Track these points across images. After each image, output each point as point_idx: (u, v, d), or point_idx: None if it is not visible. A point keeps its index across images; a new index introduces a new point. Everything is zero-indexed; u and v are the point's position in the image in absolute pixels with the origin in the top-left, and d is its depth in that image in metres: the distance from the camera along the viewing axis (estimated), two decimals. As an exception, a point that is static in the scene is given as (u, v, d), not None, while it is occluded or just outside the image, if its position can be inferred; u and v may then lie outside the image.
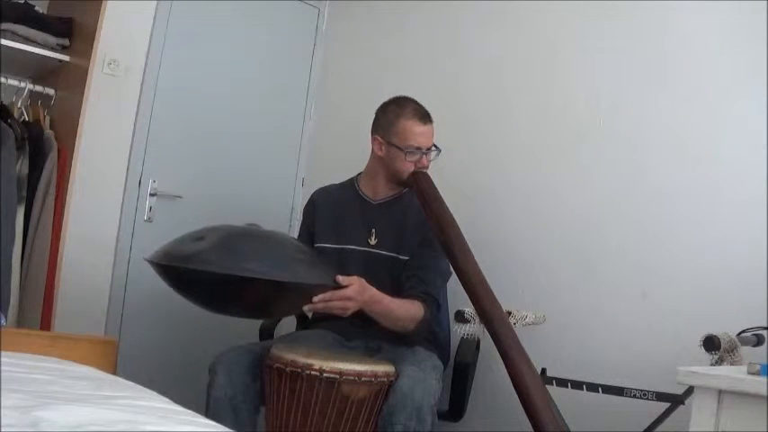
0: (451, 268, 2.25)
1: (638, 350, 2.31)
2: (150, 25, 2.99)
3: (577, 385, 2.12)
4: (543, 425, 1.79)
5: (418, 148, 2.36)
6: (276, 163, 3.46)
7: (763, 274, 2.08)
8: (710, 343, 1.81)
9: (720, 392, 1.47)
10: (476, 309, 2.10)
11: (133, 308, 2.96)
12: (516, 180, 2.77)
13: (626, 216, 2.44)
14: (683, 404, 1.91)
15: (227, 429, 1.14)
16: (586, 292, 2.49)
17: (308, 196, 2.62)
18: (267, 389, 2.11)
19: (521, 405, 1.85)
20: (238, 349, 2.18)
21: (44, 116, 2.72)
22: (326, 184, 2.63)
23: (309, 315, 2.41)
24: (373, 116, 2.49)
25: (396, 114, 2.38)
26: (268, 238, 2.07)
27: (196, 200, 3.14)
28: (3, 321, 2.19)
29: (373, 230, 2.40)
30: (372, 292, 2.11)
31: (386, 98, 2.51)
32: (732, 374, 1.50)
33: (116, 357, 2.06)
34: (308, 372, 1.98)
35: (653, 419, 2.00)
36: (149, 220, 3.03)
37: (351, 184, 2.52)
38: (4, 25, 2.54)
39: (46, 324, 2.53)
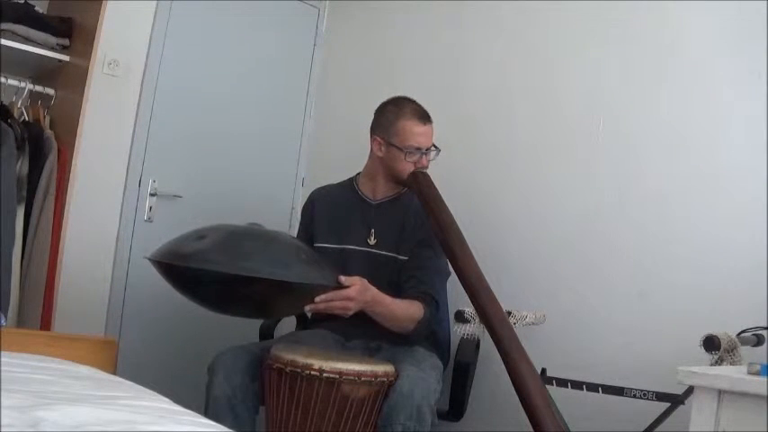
0: (451, 268, 2.25)
1: (638, 350, 2.31)
2: (150, 25, 2.99)
3: (577, 385, 2.12)
4: (543, 425, 1.79)
5: (418, 149, 2.36)
6: (276, 163, 3.46)
7: (763, 274, 2.08)
8: (710, 343, 1.81)
9: (720, 392, 1.47)
10: (476, 309, 2.10)
11: (133, 308, 2.96)
12: (516, 180, 2.77)
13: (626, 216, 2.44)
14: (683, 404, 1.91)
15: (226, 429, 1.14)
16: (586, 292, 2.49)
17: (308, 196, 2.63)
18: (267, 389, 2.11)
19: (521, 405, 1.85)
20: (237, 349, 2.18)
21: (44, 116, 2.72)
22: (326, 184, 2.63)
23: (309, 315, 2.41)
24: (373, 116, 2.49)
25: (395, 114, 2.38)
26: (270, 238, 2.07)
27: (196, 200, 3.14)
28: (3, 321, 2.19)
29: (372, 230, 2.40)
30: (374, 292, 2.11)
31: (386, 98, 2.51)
32: (732, 374, 1.50)
33: (116, 357, 2.06)
34: (307, 372, 1.98)
35: (653, 419, 2.00)
36: (149, 220, 3.03)
37: (350, 184, 2.52)
38: (4, 25, 2.54)
39: (46, 324, 2.53)
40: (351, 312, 2.08)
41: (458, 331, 2.27)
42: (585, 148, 2.58)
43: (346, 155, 3.32)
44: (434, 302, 2.30)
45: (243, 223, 2.12)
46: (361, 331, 2.29)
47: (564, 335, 2.49)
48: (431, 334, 2.39)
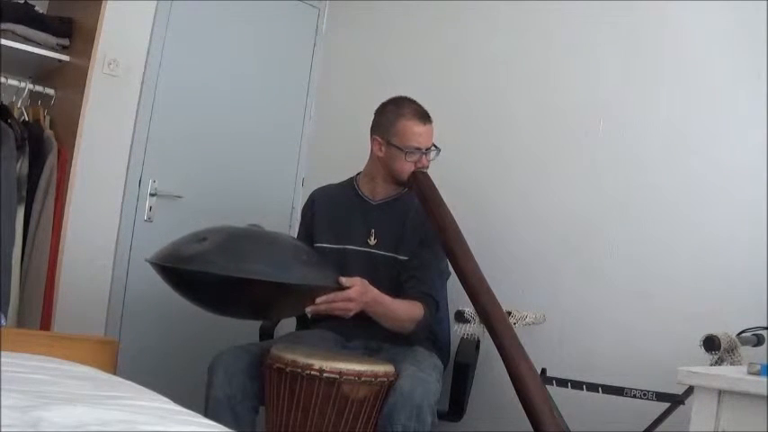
0: (451, 268, 2.25)
1: (638, 350, 2.31)
2: (150, 25, 2.98)
3: (577, 385, 2.12)
4: (543, 425, 1.79)
5: (418, 149, 2.36)
6: (276, 163, 3.46)
7: (763, 274, 2.08)
8: (710, 343, 1.81)
9: (720, 392, 1.47)
10: (476, 309, 2.10)
11: (133, 308, 2.96)
12: (516, 180, 2.77)
13: (626, 216, 2.44)
14: (683, 404, 1.91)
15: (226, 429, 1.14)
16: (586, 292, 2.49)
17: (308, 196, 2.62)
18: (267, 389, 2.11)
19: (521, 405, 1.85)
20: (237, 349, 2.18)
21: (44, 116, 2.72)
22: (325, 184, 2.63)
23: (310, 315, 2.41)
24: (373, 116, 2.49)
25: (395, 115, 2.38)
26: (270, 240, 2.07)
27: (196, 200, 3.14)
28: (3, 321, 2.19)
29: (373, 231, 2.40)
30: (374, 293, 2.12)
31: (386, 98, 2.51)
32: (732, 374, 1.50)
33: (116, 357, 2.06)
34: (308, 372, 1.98)
35: (653, 419, 2.00)
36: (149, 220, 3.03)
37: (350, 184, 2.52)
38: (4, 25, 2.54)
39: (46, 324, 2.53)
40: (351, 313, 2.08)
41: (458, 331, 2.27)
42: (585, 148, 2.58)
43: (346, 155, 3.32)
44: (434, 303, 2.31)
45: (243, 224, 2.12)
46: (361, 331, 2.29)
47: (564, 335, 2.49)
48: (431, 334, 2.39)
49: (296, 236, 2.62)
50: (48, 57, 2.68)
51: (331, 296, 2.00)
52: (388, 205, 2.45)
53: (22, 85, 2.72)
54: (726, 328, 1.86)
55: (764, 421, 1.40)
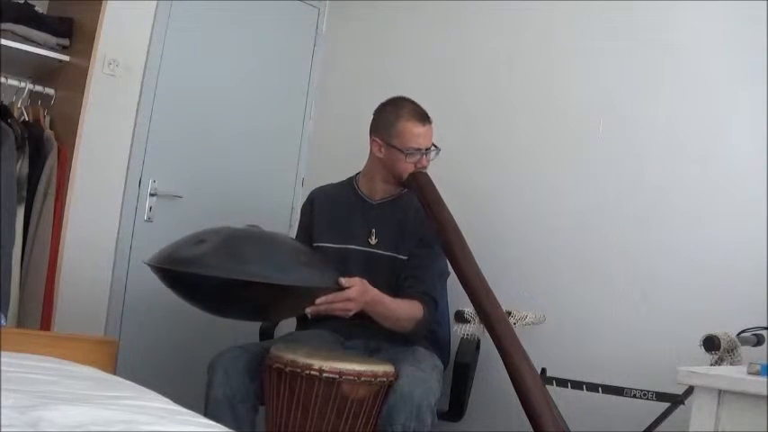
0: (450, 268, 2.25)
1: (637, 350, 2.31)
2: (150, 25, 2.98)
3: (577, 385, 2.12)
4: (543, 425, 1.79)
5: (418, 149, 2.36)
6: (276, 163, 3.46)
7: (763, 274, 2.08)
8: (710, 343, 1.82)
9: (720, 392, 1.47)
10: (475, 309, 2.10)
11: (133, 308, 2.96)
12: (516, 180, 2.77)
13: (626, 216, 2.44)
14: (683, 404, 1.91)
15: (226, 429, 1.14)
16: (586, 292, 2.49)
17: (308, 195, 2.62)
18: (267, 389, 2.11)
19: (521, 405, 1.85)
20: (237, 349, 2.18)
21: (44, 116, 2.72)
22: (325, 184, 2.62)
23: (309, 316, 2.40)
24: (372, 117, 2.49)
25: (395, 116, 2.38)
26: (269, 241, 2.07)
27: (196, 200, 3.14)
28: (3, 321, 2.19)
29: (373, 230, 2.40)
30: (374, 293, 2.12)
31: (386, 98, 2.51)
32: (732, 374, 1.50)
33: (116, 357, 2.06)
34: (307, 372, 1.98)
35: (653, 419, 2.00)
36: (149, 220, 3.03)
37: (350, 184, 2.52)
38: (4, 25, 2.54)
39: (46, 324, 2.52)
40: (351, 313, 2.08)
41: (458, 331, 2.27)
42: (585, 148, 2.58)
43: (346, 155, 3.31)
44: (433, 302, 2.30)
45: (242, 225, 2.12)
46: (361, 331, 2.29)
47: (564, 335, 2.49)
48: (430, 334, 2.39)
49: (295, 235, 2.61)
50: (48, 57, 2.67)
51: (330, 297, 2.00)
52: (387, 205, 2.45)
53: (22, 85, 2.72)
54: (726, 328, 1.87)
55: (765, 421, 1.40)
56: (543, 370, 2.19)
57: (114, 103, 2.88)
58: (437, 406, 2.09)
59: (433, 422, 2.02)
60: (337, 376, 1.98)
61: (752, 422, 1.42)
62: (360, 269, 2.22)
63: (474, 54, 2.99)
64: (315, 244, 2.41)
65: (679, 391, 1.89)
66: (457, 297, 2.41)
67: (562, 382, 2.16)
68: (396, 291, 2.26)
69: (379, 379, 2.03)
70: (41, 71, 2.83)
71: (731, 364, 1.83)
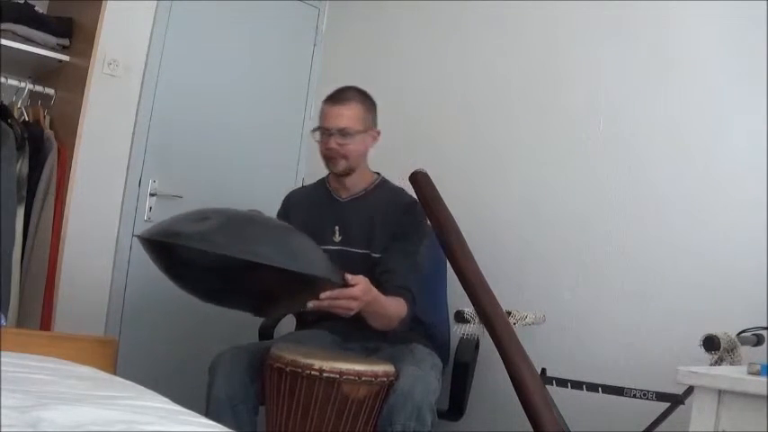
0: (450, 268, 2.24)
1: (637, 350, 2.31)
2: (150, 25, 2.99)
3: (577, 385, 2.13)
4: (543, 425, 1.79)
5: (323, 128, 2.30)
6: (276, 163, 3.46)
7: (763, 274, 2.08)
8: (710, 343, 1.81)
9: (720, 392, 1.47)
10: (475, 309, 2.10)
11: (133, 308, 2.96)
12: (516, 180, 2.77)
13: (626, 216, 2.44)
14: (683, 404, 1.91)
15: (226, 429, 1.14)
16: (586, 292, 2.49)
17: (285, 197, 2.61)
18: (267, 389, 2.11)
19: (521, 405, 1.85)
20: (238, 349, 2.18)
21: (44, 116, 2.72)
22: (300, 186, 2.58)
23: (310, 308, 2.33)
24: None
25: None
26: (276, 226, 1.99)
27: (196, 200, 3.13)
28: (3, 321, 2.19)
29: (337, 228, 2.36)
30: (375, 292, 2.08)
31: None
32: (732, 374, 1.50)
33: (116, 357, 2.05)
34: (308, 372, 1.98)
35: (653, 419, 2.00)
36: (149, 220, 3.02)
37: (322, 183, 2.49)
38: (4, 25, 2.54)
39: (46, 324, 2.53)
40: (352, 312, 2.02)
41: (458, 331, 2.27)
42: (586, 148, 2.58)
43: (346, 155, 3.31)
44: (411, 295, 2.23)
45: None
46: (359, 332, 2.28)
47: (564, 335, 2.49)
48: (427, 331, 2.37)
49: None
50: (48, 57, 2.68)
51: (336, 293, 1.91)
52: (356, 201, 2.40)
53: (22, 85, 2.72)
54: (726, 328, 1.86)
55: (764, 421, 1.40)
56: (543, 370, 2.19)
57: (114, 103, 2.88)
58: (437, 405, 2.09)
59: (434, 421, 2.02)
60: (338, 376, 1.98)
61: (752, 422, 1.42)
62: None
63: (474, 54, 2.99)
64: None
65: (679, 390, 1.89)
66: (457, 297, 2.41)
67: (562, 382, 2.16)
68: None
69: (379, 379, 2.04)
70: (41, 71, 2.83)
71: (731, 363, 1.83)
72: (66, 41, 2.73)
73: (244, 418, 2.10)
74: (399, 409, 1.95)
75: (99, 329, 2.85)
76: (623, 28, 2.55)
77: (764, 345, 1.91)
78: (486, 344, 2.19)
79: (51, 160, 2.58)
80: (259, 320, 2.62)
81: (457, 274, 2.16)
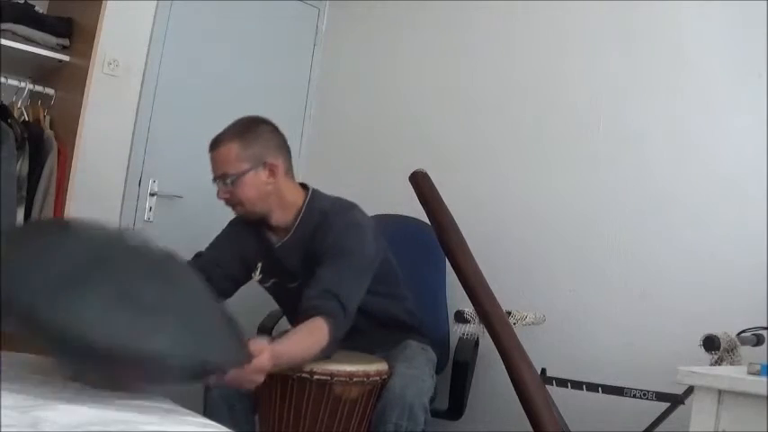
0: (450, 268, 2.22)
1: (637, 350, 2.31)
2: (150, 25, 2.99)
3: (577, 385, 2.12)
4: (543, 425, 1.79)
5: (214, 177, 2.13)
6: (276, 163, 3.45)
7: (763, 274, 2.08)
8: (710, 343, 1.81)
9: (720, 392, 1.47)
10: (475, 309, 2.10)
11: (133, 308, 2.96)
12: (516, 180, 2.77)
13: (626, 216, 2.44)
14: (683, 404, 1.91)
15: (225, 429, 1.14)
16: (586, 292, 2.49)
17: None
18: (259, 392, 2.07)
19: (520, 405, 1.85)
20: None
21: (44, 116, 2.72)
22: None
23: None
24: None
25: None
26: (176, 287, 1.37)
27: (196, 200, 3.14)
28: (3, 321, 2.18)
29: (269, 267, 2.18)
30: (279, 349, 1.74)
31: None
32: (732, 374, 1.50)
33: (116, 357, 2.04)
34: (298, 374, 1.94)
35: (653, 419, 2.00)
36: (149, 220, 3.03)
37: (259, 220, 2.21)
38: (4, 25, 2.54)
39: (46, 324, 2.52)
40: (256, 384, 1.70)
41: (457, 331, 2.27)
42: (586, 148, 2.58)
43: (346, 155, 3.32)
44: (338, 303, 1.90)
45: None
46: (350, 336, 2.05)
47: (564, 335, 2.49)
48: (419, 325, 2.35)
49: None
50: (48, 57, 2.67)
51: (241, 372, 1.58)
52: (287, 242, 2.15)
53: (22, 85, 2.72)
54: (725, 328, 1.86)
55: (765, 421, 1.40)
56: (543, 370, 2.19)
57: (114, 102, 2.88)
58: (436, 404, 2.09)
59: (427, 420, 2.00)
60: (329, 378, 1.95)
61: (752, 422, 1.41)
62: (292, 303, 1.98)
63: (474, 54, 2.99)
64: (252, 274, 2.21)
65: (679, 390, 1.89)
66: (457, 297, 2.41)
67: (562, 382, 2.16)
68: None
69: (372, 378, 2.01)
70: (41, 71, 2.83)
71: (731, 363, 1.83)
72: (66, 41, 2.73)
73: (241, 418, 2.09)
74: (391, 409, 1.94)
75: (99, 329, 2.85)
76: (624, 28, 2.55)
77: (764, 345, 1.91)
78: (486, 344, 2.19)
79: (51, 160, 2.57)
80: (257, 320, 2.62)
81: (457, 274, 2.15)
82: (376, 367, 2.04)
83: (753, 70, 2.21)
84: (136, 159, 2.98)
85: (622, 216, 2.45)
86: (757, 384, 1.42)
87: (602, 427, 2.26)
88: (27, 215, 2.53)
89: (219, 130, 3.18)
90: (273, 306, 2.45)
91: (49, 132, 2.65)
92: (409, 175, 2.38)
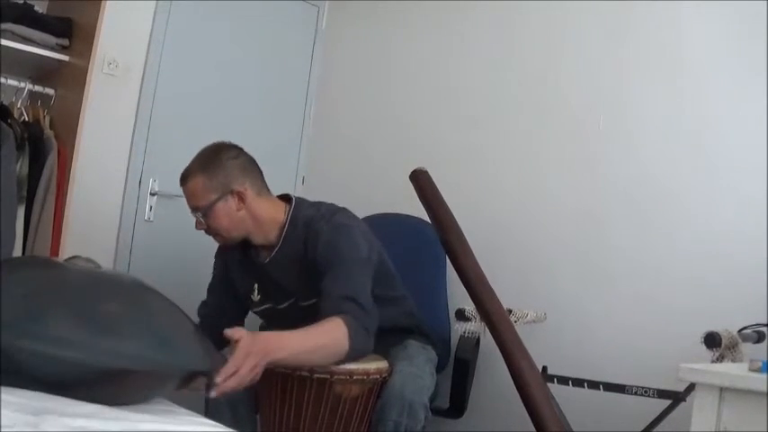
0: (452, 267, 2.23)
1: (638, 347, 2.31)
2: (150, 25, 2.99)
3: (578, 383, 2.12)
4: (544, 422, 1.79)
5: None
6: (276, 163, 3.45)
7: (764, 271, 2.08)
8: (711, 340, 1.81)
9: (722, 389, 1.47)
10: (476, 307, 2.10)
11: (134, 308, 2.95)
12: (516, 179, 2.77)
13: (626, 215, 2.44)
14: (685, 401, 1.91)
15: (226, 429, 1.14)
16: (587, 289, 2.49)
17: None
18: (260, 390, 2.08)
19: (522, 402, 1.85)
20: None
21: (44, 116, 2.72)
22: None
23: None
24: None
25: None
26: (135, 302, 1.31)
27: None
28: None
29: (259, 288, 2.20)
30: (264, 336, 1.75)
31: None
32: (733, 371, 1.50)
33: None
34: (298, 372, 1.93)
35: (654, 417, 2.00)
36: (149, 219, 3.03)
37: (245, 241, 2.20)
38: (4, 25, 2.54)
39: (46, 324, 2.52)
40: (261, 368, 1.67)
41: (458, 329, 2.27)
42: (586, 147, 2.58)
43: (346, 154, 3.32)
44: (346, 300, 1.90)
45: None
46: None
47: (565, 333, 2.49)
48: (419, 326, 2.36)
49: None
50: (47, 57, 2.67)
51: (231, 366, 1.55)
52: (274, 259, 2.14)
53: (22, 85, 2.72)
54: (727, 325, 1.86)
55: (766, 418, 1.39)
56: (544, 368, 2.19)
57: (114, 102, 2.88)
58: (436, 402, 2.08)
59: (427, 417, 2.00)
60: (329, 376, 1.93)
61: (753, 419, 1.41)
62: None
63: (474, 54, 2.99)
64: (248, 301, 2.23)
65: (680, 388, 1.89)
66: (458, 295, 2.41)
67: (563, 380, 2.16)
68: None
69: (372, 376, 2.00)
70: (41, 71, 2.83)
71: (732, 361, 1.83)
72: (65, 41, 2.73)
73: (244, 418, 2.09)
74: (391, 406, 1.94)
75: (99, 329, 2.85)
76: (623, 28, 2.55)
77: (766, 342, 1.91)
78: (487, 342, 2.19)
79: (51, 160, 2.57)
80: (257, 320, 2.62)
81: (458, 273, 2.15)
82: (376, 365, 2.04)
83: (753, 70, 2.21)
84: (136, 159, 2.98)
85: (622, 214, 2.45)
86: (758, 381, 1.42)
87: (604, 424, 2.26)
88: (27, 215, 2.53)
89: (219, 129, 3.19)
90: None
91: (48, 132, 2.65)
92: (410, 173, 2.39)
